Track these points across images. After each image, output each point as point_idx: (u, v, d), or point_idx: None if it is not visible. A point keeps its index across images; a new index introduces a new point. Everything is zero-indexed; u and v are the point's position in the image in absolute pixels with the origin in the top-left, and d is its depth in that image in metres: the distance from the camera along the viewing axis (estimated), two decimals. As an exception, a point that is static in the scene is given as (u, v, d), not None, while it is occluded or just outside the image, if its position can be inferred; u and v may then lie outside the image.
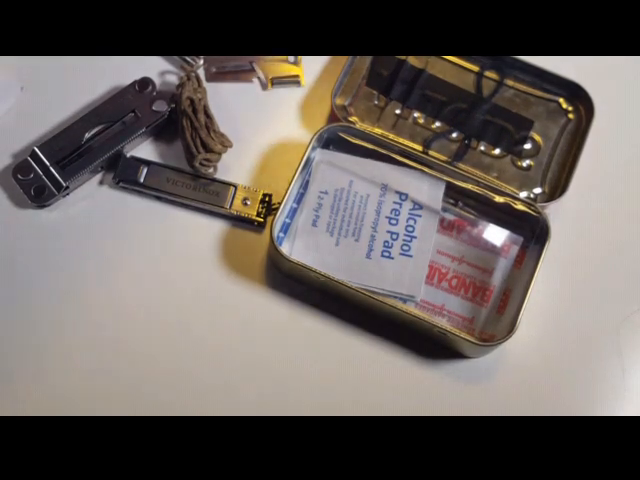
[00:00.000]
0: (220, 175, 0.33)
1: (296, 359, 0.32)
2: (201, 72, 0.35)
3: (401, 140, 0.34)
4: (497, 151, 0.34)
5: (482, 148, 0.35)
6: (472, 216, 0.33)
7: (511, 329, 0.30)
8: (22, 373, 0.30)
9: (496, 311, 0.32)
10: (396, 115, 0.35)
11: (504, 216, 0.33)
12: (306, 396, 0.31)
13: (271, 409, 0.30)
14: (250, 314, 0.32)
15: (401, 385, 0.31)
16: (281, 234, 0.32)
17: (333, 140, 0.34)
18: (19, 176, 0.32)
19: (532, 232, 0.33)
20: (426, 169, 0.33)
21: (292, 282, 0.32)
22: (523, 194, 0.34)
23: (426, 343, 0.32)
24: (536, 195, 0.34)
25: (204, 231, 0.33)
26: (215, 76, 0.36)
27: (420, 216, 0.33)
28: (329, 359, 0.32)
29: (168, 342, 0.31)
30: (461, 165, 0.34)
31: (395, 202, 0.33)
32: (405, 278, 0.32)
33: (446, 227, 0.33)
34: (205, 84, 0.34)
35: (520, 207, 0.32)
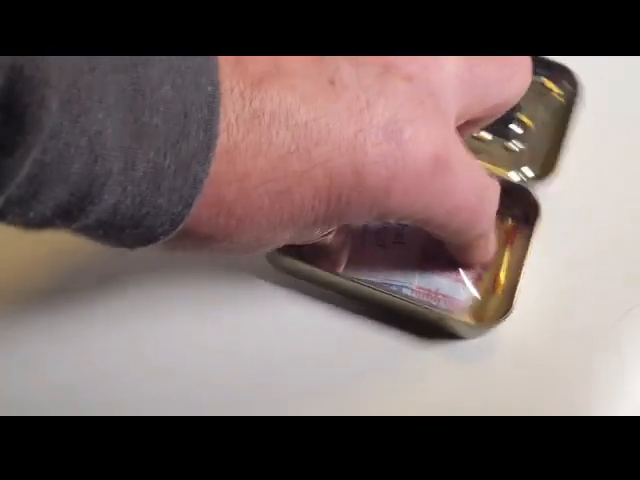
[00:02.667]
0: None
1: (291, 347, 0.32)
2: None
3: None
4: (485, 134, 0.34)
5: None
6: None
7: (507, 309, 0.30)
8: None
9: (491, 292, 0.32)
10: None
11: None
12: (303, 386, 0.31)
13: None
14: (247, 308, 0.32)
15: (400, 370, 0.31)
16: None
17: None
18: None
19: (523, 212, 0.33)
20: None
21: (285, 275, 0.32)
22: (513, 175, 0.34)
23: (423, 328, 0.32)
24: (526, 176, 0.34)
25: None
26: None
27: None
28: (324, 347, 0.32)
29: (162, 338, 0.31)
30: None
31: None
32: (399, 266, 0.32)
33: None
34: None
35: (510, 187, 0.32)
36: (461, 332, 0.32)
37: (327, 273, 0.31)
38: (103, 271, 0.33)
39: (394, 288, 0.32)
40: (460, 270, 0.32)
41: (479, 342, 0.32)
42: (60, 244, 0.32)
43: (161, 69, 0.18)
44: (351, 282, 0.30)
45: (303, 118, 0.20)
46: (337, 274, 0.31)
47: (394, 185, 0.21)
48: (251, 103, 0.20)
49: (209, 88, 0.19)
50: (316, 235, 0.24)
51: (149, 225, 0.19)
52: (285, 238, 0.23)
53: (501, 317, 0.30)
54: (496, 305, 0.31)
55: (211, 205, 0.20)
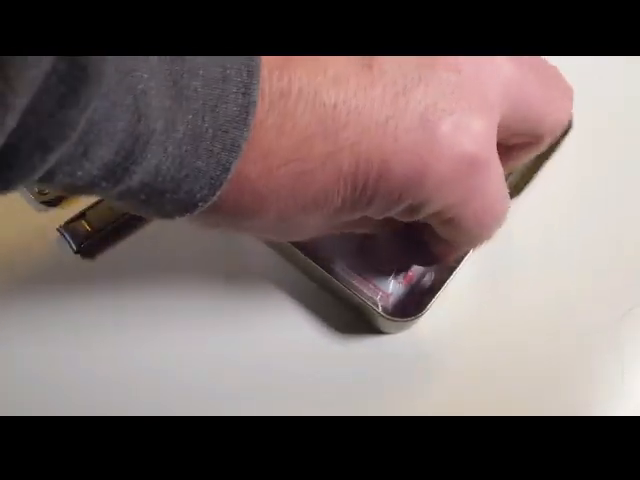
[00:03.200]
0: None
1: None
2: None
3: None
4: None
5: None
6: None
7: (422, 309, 0.29)
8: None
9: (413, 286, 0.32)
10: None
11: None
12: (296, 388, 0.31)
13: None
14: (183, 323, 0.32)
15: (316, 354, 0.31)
16: None
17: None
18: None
19: None
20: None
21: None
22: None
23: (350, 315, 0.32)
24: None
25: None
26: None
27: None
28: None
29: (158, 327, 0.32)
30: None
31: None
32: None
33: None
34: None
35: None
36: (380, 324, 0.31)
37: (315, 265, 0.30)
38: (107, 275, 0.33)
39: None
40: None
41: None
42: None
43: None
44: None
45: (332, 99, 0.20)
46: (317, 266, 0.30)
47: (427, 176, 0.20)
48: (279, 81, 0.19)
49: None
50: (346, 223, 0.24)
51: (188, 189, 0.19)
52: (315, 224, 0.22)
53: (414, 315, 0.30)
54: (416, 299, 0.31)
55: (235, 182, 0.20)
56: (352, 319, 0.32)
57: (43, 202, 0.33)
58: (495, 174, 0.22)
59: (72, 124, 0.16)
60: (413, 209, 0.22)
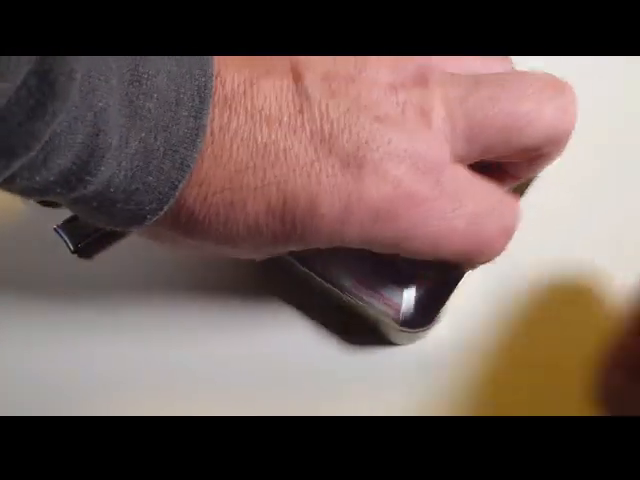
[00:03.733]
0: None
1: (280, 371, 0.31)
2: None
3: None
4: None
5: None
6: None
7: (432, 318, 0.29)
8: None
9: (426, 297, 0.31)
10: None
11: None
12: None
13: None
14: (221, 325, 0.32)
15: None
16: None
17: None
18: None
19: None
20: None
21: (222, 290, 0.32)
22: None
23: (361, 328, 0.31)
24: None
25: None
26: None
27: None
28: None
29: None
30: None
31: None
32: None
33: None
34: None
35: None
36: (392, 336, 0.31)
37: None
38: (104, 275, 0.33)
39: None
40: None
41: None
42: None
43: (159, 60, 0.20)
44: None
45: (264, 139, 0.21)
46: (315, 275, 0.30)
47: (348, 218, 0.22)
48: (220, 117, 0.21)
49: (202, 79, 0.21)
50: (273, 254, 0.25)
51: (138, 201, 0.21)
52: (248, 252, 0.24)
53: (426, 325, 0.29)
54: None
55: (174, 203, 0.22)
56: (358, 329, 0.32)
57: (40, 202, 0.33)
58: (435, 204, 0.23)
59: (38, 135, 0.17)
60: (344, 244, 0.24)
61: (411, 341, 0.32)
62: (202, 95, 0.21)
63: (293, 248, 0.24)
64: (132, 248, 0.33)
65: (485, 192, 0.25)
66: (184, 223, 0.22)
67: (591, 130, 0.36)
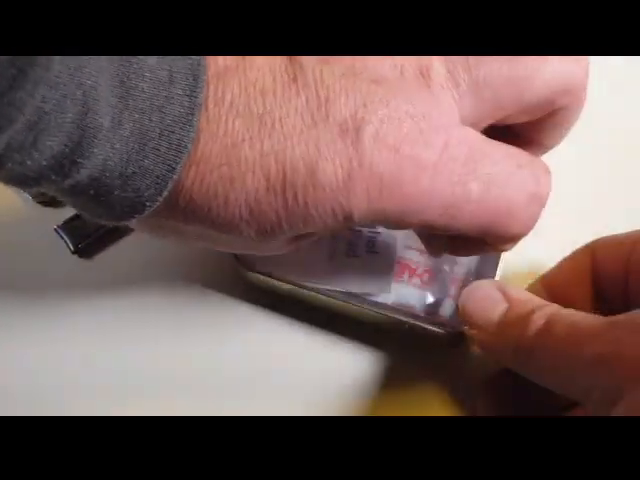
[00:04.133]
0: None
1: (271, 372, 0.31)
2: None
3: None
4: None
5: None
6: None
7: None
8: None
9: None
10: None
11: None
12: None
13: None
14: (218, 327, 0.32)
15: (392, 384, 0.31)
16: None
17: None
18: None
19: None
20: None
21: (260, 293, 0.32)
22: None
23: (392, 338, 0.31)
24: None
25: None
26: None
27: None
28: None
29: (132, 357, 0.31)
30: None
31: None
32: (373, 276, 0.31)
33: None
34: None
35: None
36: (437, 340, 0.30)
37: (297, 288, 0.30)
38: (105, 275, 0.33)
39: (368, 300, 0.30)
40: (436, 282, 0.31)
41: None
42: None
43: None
44: (324, 296, 0.29)
45: (260, 109, 0.21)
46: (310, 288, 0.30)
47: (352, 187, 0.21)
48: (215, 91, 0.21)
49: (195, 56, 0.20)
50: (279, 244, 0.24)
51: (136, 187, 0.20)
52: (256, 238, 0.23)
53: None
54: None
55: (171, 187, 0.21)
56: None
57: (40, 202, 0.33)
58: (449, 170, 0.22)
59: (20, 105, 0.17)
60: (350, 221, 0.22)
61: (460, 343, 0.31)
62: (196, 73, 0.20)
63: (300, 231, 0.23)
64: (132, 248, 0.33)
65: (504, 154, 0.23)
66: (183, 209, 0.22)
67: (591, 130, 0.36)
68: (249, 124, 0.21)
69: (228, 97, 0.21)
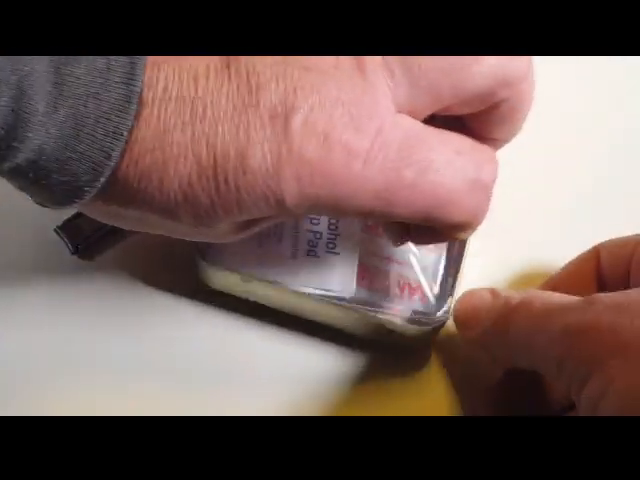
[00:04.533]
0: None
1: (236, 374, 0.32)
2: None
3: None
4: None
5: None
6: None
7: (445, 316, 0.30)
8: None
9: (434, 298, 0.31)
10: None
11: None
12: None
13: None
14: (180, 325, 0.32)
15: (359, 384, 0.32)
16: None
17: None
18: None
19: None
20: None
21: (221, 294, 0.32)
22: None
23: (361, 339, 0.32)
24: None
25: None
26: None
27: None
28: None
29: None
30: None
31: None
32: (335, 276, 0.31)
33: (371, 227, 0.32)
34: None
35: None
36: (407, 341, 0.31)
37: (259, 283, 0.30)
38: (105, 276, 0.33)
39: (331, 299, 0.30)
40: (399, 281, 0.31)
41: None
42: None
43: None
44: (292, 294, 0.30)
45: (191, 95, 0.21)
46: (273, 286, 0.30)
47: (282, 173, 0.21)
48: (149, 77, 0.21)
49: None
50: (227, 230, 0.24)
51: (73, 172, 0.21)
52: (194, 223, 0.23)
53: (440, 323, 0.30)
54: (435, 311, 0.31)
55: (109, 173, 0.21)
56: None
57: (40, 203, 0.33)
58: (381, 157, 0.22)
59: None
60: (283, 208, 0.22)
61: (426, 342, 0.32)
62: (133, 60, 0.20)
63: (237, 217, 0.23)
64: (132, 249, 0.33)
65: (441, 140, 0.23)
66: (120, 193, 0.22)
67: (590, 131, 0.36)
68: (181, 109, 0.21)
69: (162, 82, 0.21)
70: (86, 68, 0.20)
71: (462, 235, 0.25)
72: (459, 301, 0.29)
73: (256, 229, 0.25)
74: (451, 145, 0.23)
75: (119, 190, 0.22)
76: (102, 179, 0.21)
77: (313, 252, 0.31)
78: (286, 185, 0.22)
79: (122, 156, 0.21)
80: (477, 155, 0.24)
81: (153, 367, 0.32)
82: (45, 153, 0.20)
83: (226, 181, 0.22)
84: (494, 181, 0.24)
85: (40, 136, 0.20)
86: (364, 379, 0.32)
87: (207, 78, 0.21)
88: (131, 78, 0.20)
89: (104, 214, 0.25)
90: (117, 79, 0.20)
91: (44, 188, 0.21)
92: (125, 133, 0.21)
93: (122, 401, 0.31)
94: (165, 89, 0.21)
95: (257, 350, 0.32)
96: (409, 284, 0.31)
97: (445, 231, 0.25)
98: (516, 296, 0.26)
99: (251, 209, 0.22)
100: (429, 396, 0.32)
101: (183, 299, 0.33)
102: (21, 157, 0.20)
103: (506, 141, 0.26)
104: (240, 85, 0.21)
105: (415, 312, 0.31)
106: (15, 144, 0.20)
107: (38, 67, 0.19)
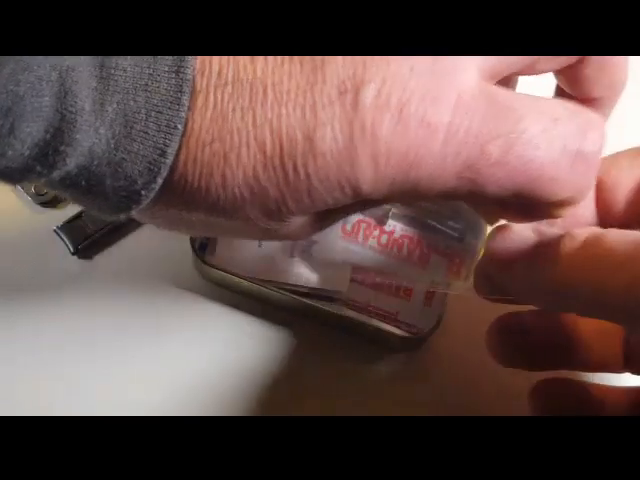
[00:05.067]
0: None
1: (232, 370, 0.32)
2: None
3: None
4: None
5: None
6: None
7: (437, 322, 0.30)
8: None
9: (423, 304, 0.32)
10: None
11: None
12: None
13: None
14: (179, 324, 0.32)
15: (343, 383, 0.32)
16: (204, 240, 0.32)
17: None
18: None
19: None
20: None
21: (221, 289, 0.32)
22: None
23: (353, 339, 0.32)
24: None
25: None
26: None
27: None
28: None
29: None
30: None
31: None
32: (330, 274, 0.31)
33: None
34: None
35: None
36: (396, 344, 0.31)
37: (256, 285, 0.30)
38: (104, 276, 0.33)
39: (326, 299, 0.31)
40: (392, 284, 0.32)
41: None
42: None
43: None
44: (285, 295, 0.30)
45: (250, 76, 0.19)
46: (267, 285, 0.30)
47: (355, 154, 0.19)
48: (201, 63, 0.19)
49: None
50: (299, 225, 0.22)
51: (128, 175, 0.19)
52: (264, 221, 0.21)
53: (432, 329, 0.30)
54: (427, 317, 0.31)
55: (166, 173, 0.20)
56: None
57: (40, 203, 0.33)
58: (463, 130, 0.19)
59: None
60: (360, 195, 0.20)
61: (414, 347, 0.32)
62: None
63: (309, 208, 0.21)
64: (131, 249, 0.33)
65: (535, 107, 0.20)
66: (180, 194, 0.20)
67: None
68: (239, 93, 0.19)
69: (216, 66, 0.19)
70: (132, 59, 0.18)
71: (562, 213, 0.22)
72: (494, 239, 0.24)
73: (330, 223, 0.23)
74: (546, 111, 0.20)
75: (179, 191, 0.20)
76: (159, 180, 0.19)
77: (309, 252, 0.32)
78: (360, 169, 0.19)
79: (178, 152, 0.19)
80: (581, 120, 0.21)
81: (153, 367, 0.32)
82: (97, 156, 0.19)
83: (295, 169, 0.19)
84: (600, 151, 0.21)
85: (89, 137, 0.18)
86: (364, 379, 0.32)
87: (265, 58, 0.19)
88: (181, 65, 0.18)
89: (165, 221, 0.22)
90: (166, 68, 0.18)
91: (98, 196, 0.20)
92: (179, 126, 0.19)
93: (122, 401, 0.31)
94: (220, 73, 0.19)
95: (260, 348, 0.32)
96: (404, 286, 0.32)
97: (541, 209, 0.22)
98: (578, 234, 0.22)
99: (325, 197, 0.20)
100: (424, 395, 0.32)
101: (182, 298, 0.33)
102: (71, 163, 0.18)
103: (611, 100, 0.23)
104: (303, 62, 0.19)
105: (404, 315, 0.31)
106: (63, 148, 0.18)
107: (80, 61, 0.17)
